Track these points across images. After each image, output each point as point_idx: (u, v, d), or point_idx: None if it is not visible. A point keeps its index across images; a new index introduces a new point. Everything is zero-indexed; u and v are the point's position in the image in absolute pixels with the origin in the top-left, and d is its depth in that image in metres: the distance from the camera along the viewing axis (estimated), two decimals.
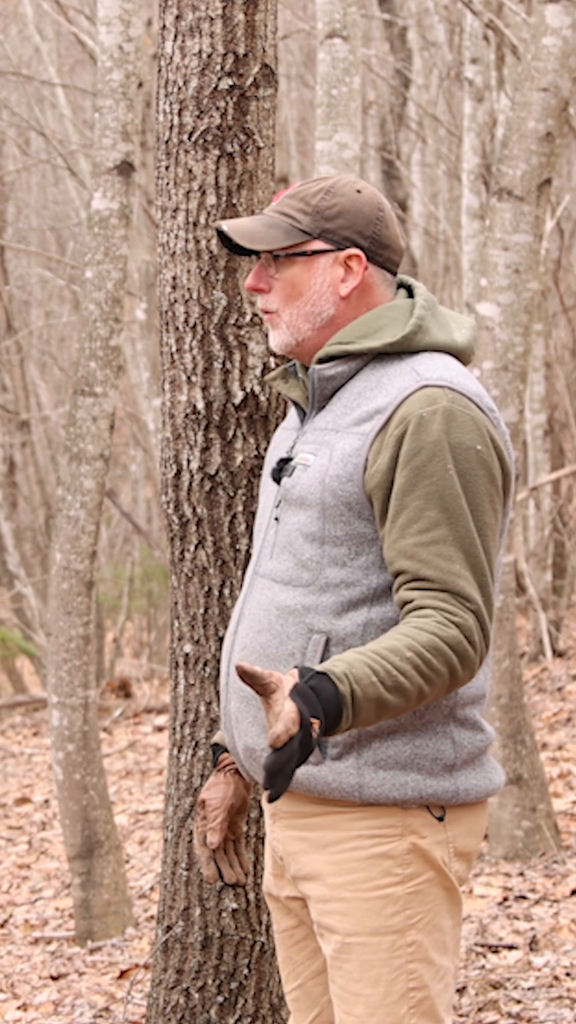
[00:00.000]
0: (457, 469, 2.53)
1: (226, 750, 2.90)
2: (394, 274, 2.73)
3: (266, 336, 3.36)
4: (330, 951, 2.64)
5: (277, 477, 2.70)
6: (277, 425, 3.38)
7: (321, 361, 2.68)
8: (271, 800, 2.36)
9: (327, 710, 2.35)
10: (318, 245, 2.67)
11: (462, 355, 2.70)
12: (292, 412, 2.83)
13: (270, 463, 2.80)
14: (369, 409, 2.60)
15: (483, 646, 2.52)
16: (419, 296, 2.70)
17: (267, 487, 2.79)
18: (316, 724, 2.34)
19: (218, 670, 3.40)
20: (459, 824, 2.65)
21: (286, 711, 2.32)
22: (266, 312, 2.71)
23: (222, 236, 2.72)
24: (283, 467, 2.69)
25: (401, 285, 2.77)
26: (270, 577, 2.67)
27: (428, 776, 2.60)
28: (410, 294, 2.75)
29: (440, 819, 2.62)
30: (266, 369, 3.36)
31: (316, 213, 2.66)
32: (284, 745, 2.31)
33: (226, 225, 2.69)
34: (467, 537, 2.52)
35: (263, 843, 3.36)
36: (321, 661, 2.57)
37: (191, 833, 3.42)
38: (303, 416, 2.74)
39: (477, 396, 2.61)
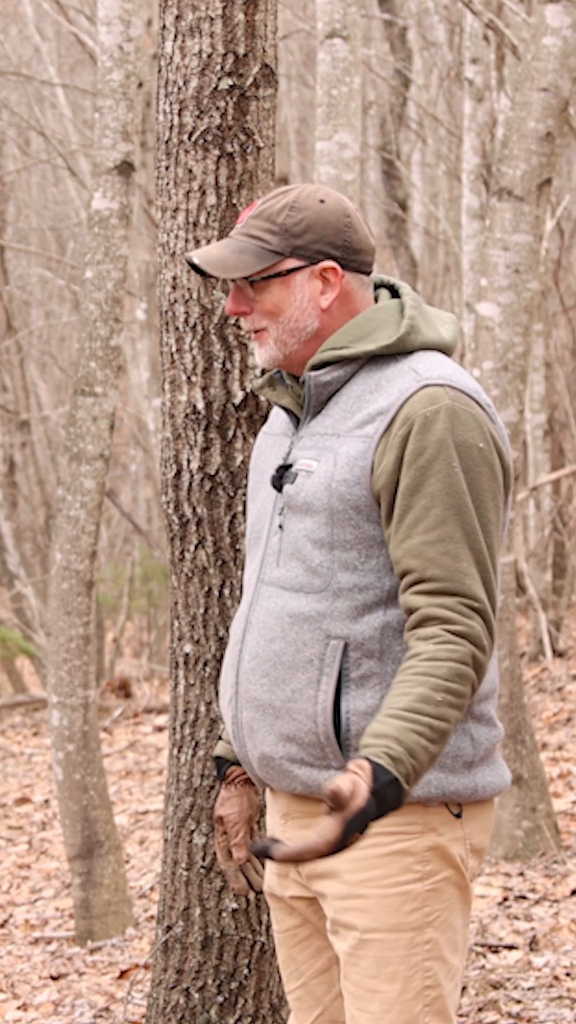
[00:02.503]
0: (462, 467, 2.54)
1: (231, 763, 2.90)
2: (368, 274, 2.74)
3: None
4: (346, 948, 2.64)
5: (278, 484, 2.69)
6: None
7: (315, 367, 2.68)
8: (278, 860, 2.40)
9: (392, 807, 2.39)
10: (291, 263, 2.66)
11: (449, 350, 2.72)
12: (277, 418, 2.83)
13: (260, 469, 2.80)
14: (371, 411, 2.61)
15: (491, 645, 2.54)
16: (406, 296, 2.71)
17: (259, 494, 2.78)
18: (356, 837, 2.37)
19: (218, 670, 3.40)
20: (475, 821, 2.67)
21: (333, 836, 2.36)
22: (255, 331, 2.71)
23: (193, 266, 2.72)
24: (283, 474, 2.69)
25: (381, 284, 2.78)
26: (278, 585, 2.66)
27: (450, 773, 2.62)
28: (393, 293, 2.76)
29: (458, 816, 2.64)
30: (266, 369, 3.36)
31: (284, 231, 2.65)
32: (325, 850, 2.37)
33: (196, 257, 2.68)
34: (472, 534, 2.54)
35: None
36: (340, 667, 2.59)
37: (191, 833, 3.42)
38: (296, 422, 2.74)
39: (476, 393, 2.63)
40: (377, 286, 2.78)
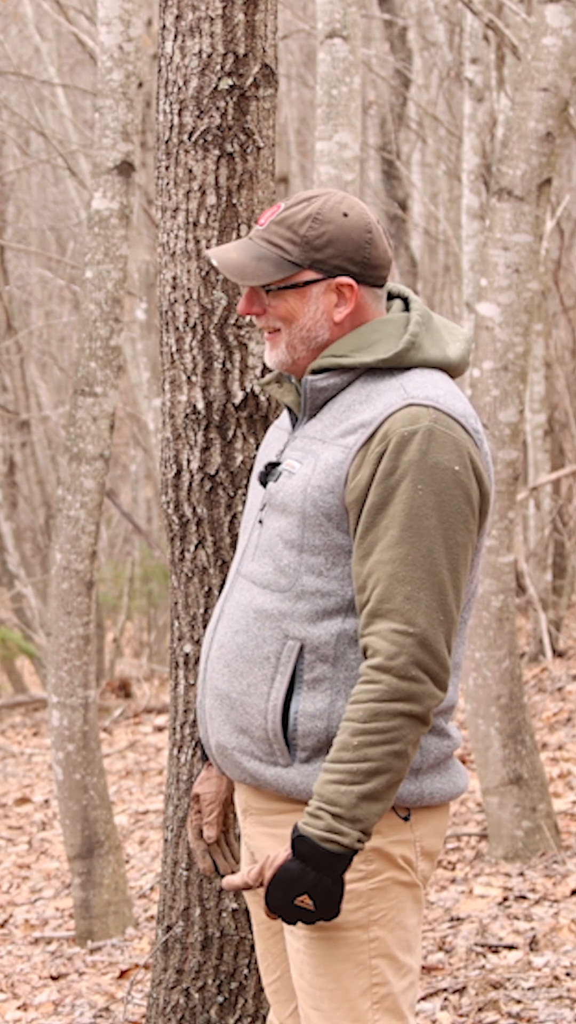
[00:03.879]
0: (432, 489, 2.55)
1: None
2: (383, 287, 2.74)
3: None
4: (298, 946, 2.68)
5: (264, 480, 2.73)
6: None
7: (315, 372, 2.70)
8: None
9: (319, 861, 2.51)
10: (309, 276, 2.67)
11: (454, 370, 2.72)
12: (286, 413, 2.85)
13: (261, 461, 2.82)
14: (355, 422, 2.62)
15: (430, 667, 2.54)
16: (414, 310, 2.71)
17: (255, 488, 2.82)
18: (305, 900, 2.53)
19: None
20: (425, 825, 2.71)
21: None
22: (270, 330, 2.72)
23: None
24: (270, 471, 2.72)
25: (394, 295, 2.78)
26: (250, 579, 2.71)
27: None
28: (406, 305, 2.76)
29: (406, 819, 2.67)
30: (266, 369, 3.36)
31: (305, 243, 2.65)
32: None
33: (215, 259, 2.68)
34: (427, 557, 2.54)
35: None
36: (295, 668, 2.63)
37: None
38: (295, 421, 2.76)
39: (463, 417, 2.62)
40: (390, 296, 2.78)
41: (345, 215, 2.67)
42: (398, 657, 2.52)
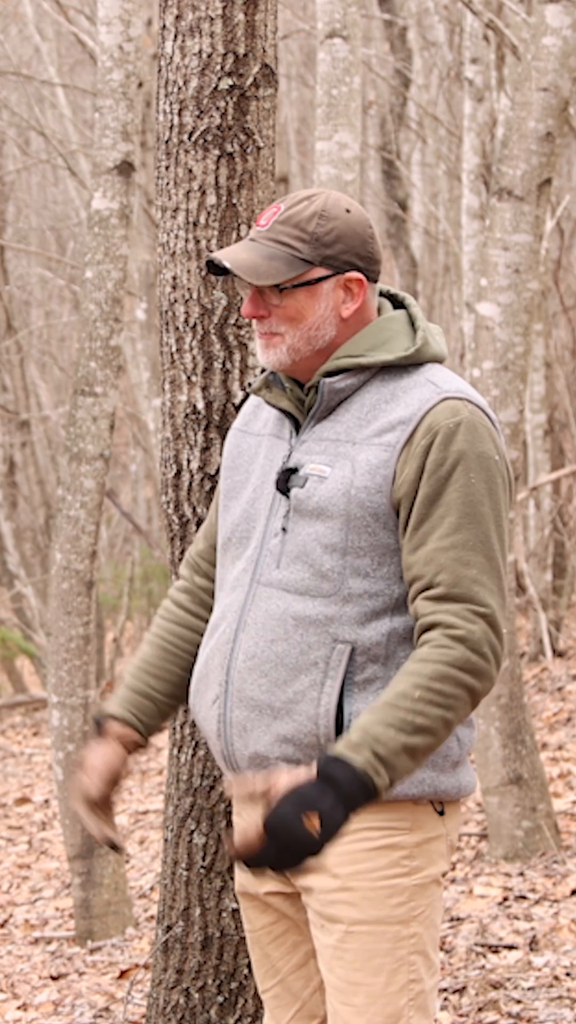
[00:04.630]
0: (480, 478, 2.60)
1: (113, 717, 2.86)
2: (378, 281, 2.78)
3: None
4: (331, 941, 2.66)
5: (284, 488, 2.70)
6: None
7: (330, 373, 2.70)
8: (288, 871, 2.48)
9: (346, 788, 2.44)
10: (320, 272, 2.68)
11: (444, 362, 2.77)
12: (257, 417, 2.83)
13: (243, 469, 2.80)
14: (390, 420, 2.64)
15: (498, 651, 2.58)
16: (414, 308, 2.76)
17: (243, 493, 2.78)
18: (313, 816, 2.43)
19: None
20: (453, 819, 2.73)
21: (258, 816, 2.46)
22: (269, 334, 2.71)
23: (211, 266, 2.72)
24: (289, 477, 2.70)
25: (380, 293, 2.81)
26: (280, 587, 2.68)
27: (440, 772, 2.66)
28: (393, 302, 2.79)
29: (441, 813, 2.68)
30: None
31: (315, 240, 2.67)
32: (260, 848, 2.45)
33: (227, 261, 2.67)
34: (486, 542, 2.59)
35: None
36: (346, 671, 2.63)
37: (191, 833, 3.42)
38: (295, 425, 2.75)
39: (485, 407, 2.69)
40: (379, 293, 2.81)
41: (348, 211, 2.69)
42: (475, 633, 2.54)
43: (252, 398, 2.88)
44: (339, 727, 2.62)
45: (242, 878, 2.84)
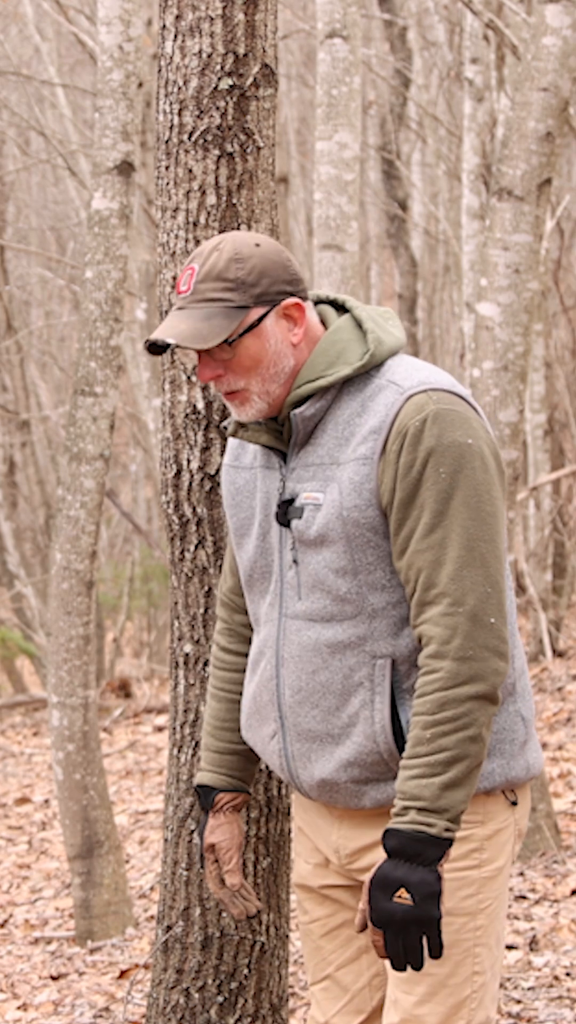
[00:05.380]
0: (451, 468, 2.58)
1: (218, 790, 2.95)
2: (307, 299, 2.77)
3: None
4: None
5: (285, 521, 2.72)
6: None
7: (296, 403, 2.70)
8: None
9: (409, 851, 2.49)
10: (258, 312, 2.68)
11: (403, 348, 2.76)
12: (245, 451, 2.85)
13: (246, 506, 2.82)
14: (363, 433, 2.64)
15: (492, 642, 2.56)
16: (357, 309, 2.75)
17: (252, 529, 2.79)
18: (401, 892, 2.48)
19: None
20: (523, 804, 2.75)
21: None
22: (231, 393, 2.71)
23: (156, 346, 2.70)
24: (288, 509, 2.71)
25: (319, 300, 2.81)
26: (305, 618, 2.70)
27: (509, 759, 2.69)
28: (334, 305, 2.79)
29: (514, 803, 2.72)
30: None
31: (241, 284, 2.67)
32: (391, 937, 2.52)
33: (169, 337, 2.64)
34: (462, 534, 2.57)
35: (263, 844, 3.36)
36: (392, 683, 2.64)
37: (191, 833, 3.42)
38: (282, 456, 2.76)
39: (452, 386, 2.66)
40: (315, 303, 2.81)
41: (257, 245, 2.70)
42: (452, 640, 2.54)
43: None
44: (398, 737, 2.64)
45: (301, 870, 2.89)
